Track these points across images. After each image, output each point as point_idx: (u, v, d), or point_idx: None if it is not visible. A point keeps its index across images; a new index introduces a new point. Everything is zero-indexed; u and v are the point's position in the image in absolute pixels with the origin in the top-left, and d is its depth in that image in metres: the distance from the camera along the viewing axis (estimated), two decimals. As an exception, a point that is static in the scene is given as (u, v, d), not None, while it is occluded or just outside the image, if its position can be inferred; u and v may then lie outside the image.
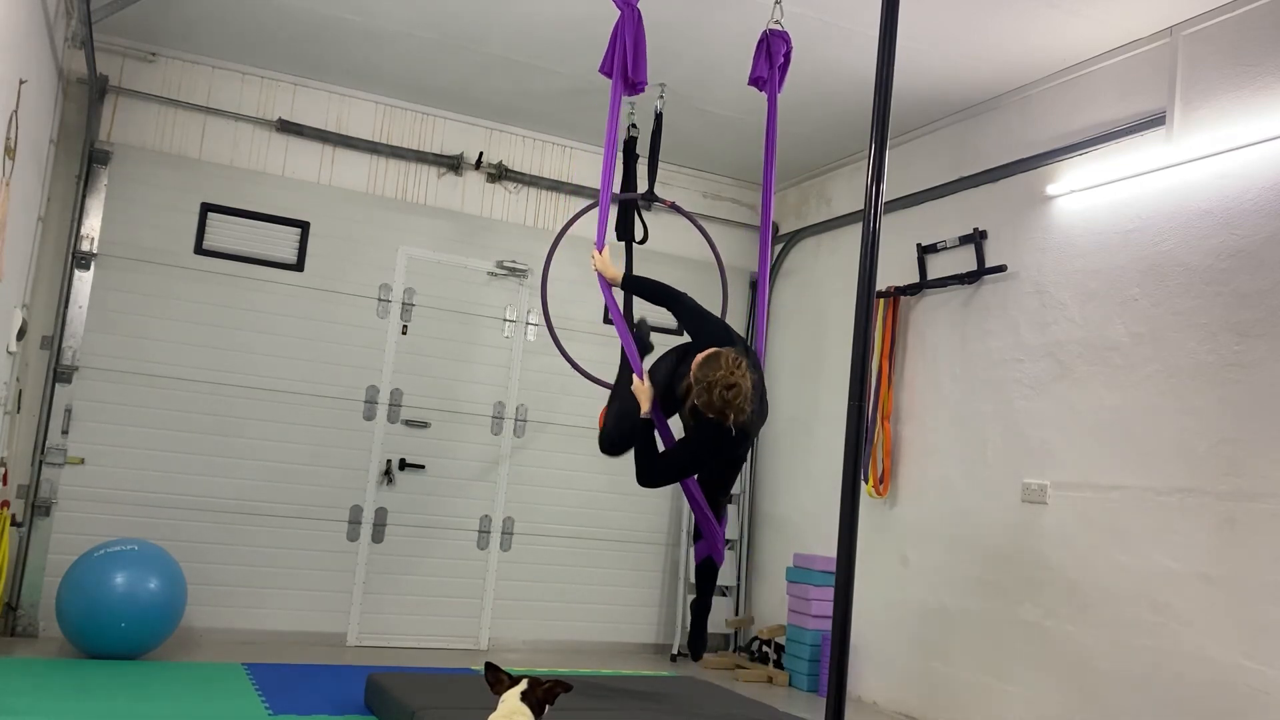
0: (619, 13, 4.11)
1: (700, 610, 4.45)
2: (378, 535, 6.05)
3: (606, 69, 4.09)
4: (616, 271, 4.19)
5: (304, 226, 6.03)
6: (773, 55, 4.24)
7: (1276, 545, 3.78)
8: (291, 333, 5.94)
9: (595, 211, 4.31)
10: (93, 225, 5.56)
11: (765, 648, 6.30)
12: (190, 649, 5.30)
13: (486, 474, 6.36)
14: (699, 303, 4.11)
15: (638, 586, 6.67)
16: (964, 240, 5.42)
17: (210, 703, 4.23)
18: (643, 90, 4.10)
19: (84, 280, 5.52)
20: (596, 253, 4.18)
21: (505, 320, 6.45)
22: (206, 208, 5.83)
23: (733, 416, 3.66)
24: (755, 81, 4.31)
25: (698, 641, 4.44)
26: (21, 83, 3.88)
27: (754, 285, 7.15)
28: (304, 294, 5.99)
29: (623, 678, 5.09)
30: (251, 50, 5.73)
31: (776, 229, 7.03)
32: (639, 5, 3.95)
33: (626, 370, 4.24)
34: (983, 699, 4.92)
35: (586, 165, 6.68)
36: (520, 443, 6.43)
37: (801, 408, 6.66)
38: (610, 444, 4.22)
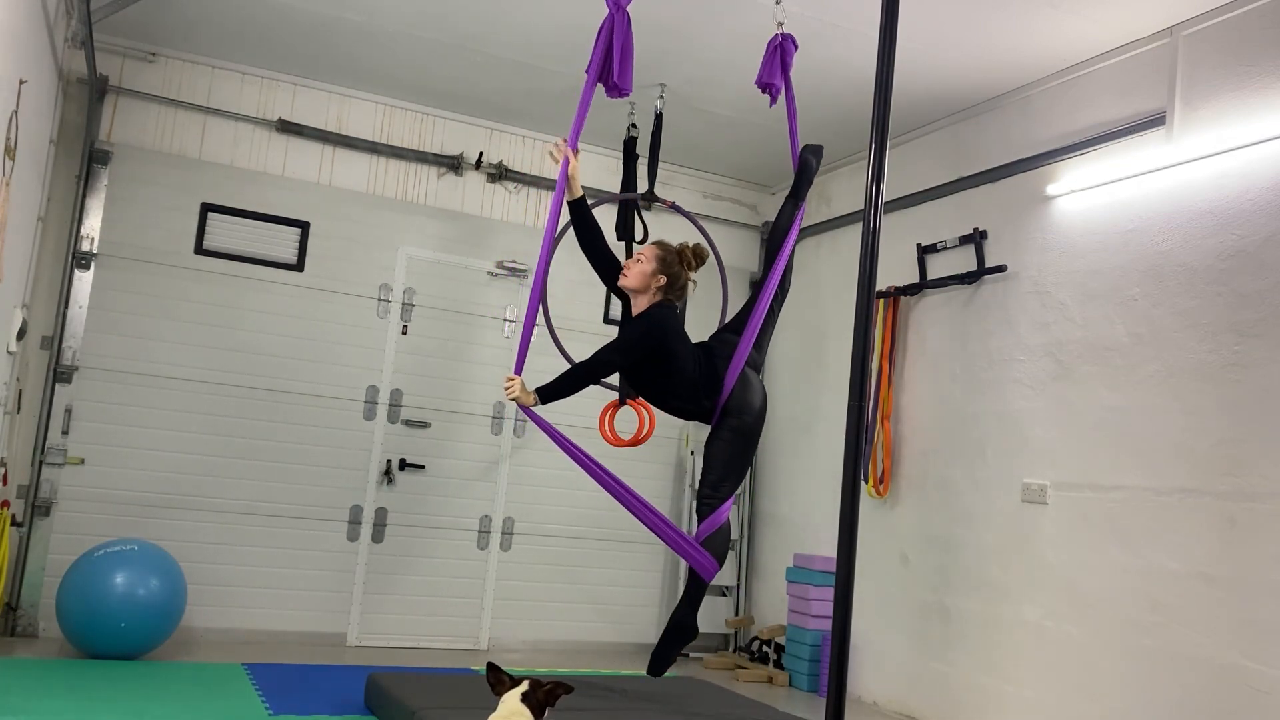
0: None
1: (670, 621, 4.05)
2: (378, 535, 6.05)
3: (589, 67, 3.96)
4: (531, 395, 3.80)
5: (304, 226, 6.03)
6: (785, 59, 4.22)
7: (1276, 545, 3.78)
8: (291, 333, 5.94)
9: (520, 333, 3.94)
10: (93, 225, 5.56)
11: (765, 648, 6.30)
12: (190, 649, 5.29)
13: (486, 474, 6.36)
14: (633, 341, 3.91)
15: (638, 586, 6.68)
16: (964, 240, 5.42)
17: (210, 703, 4.23)
18: (627, 95, 4.00)
19: (84, 280, 5.52)
20: (514, 378, 3.81)
21: (505, 320, 6.45)
22: (206, 208, 5.83)
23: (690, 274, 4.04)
24: (764, 85, 4.28)
25: (658, 655, 4.03)
26: (21, 83, 3.88)
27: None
28: (304, 294, 5.99)
29: (623, 678, 5.09)
30: (251, 50, 5.73)
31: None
32: (629, 9, 3.87)
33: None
34: (983, 699, 4.92)
35: (587, 165, 6.67)
36: (520, 443, 6.43)
37: (801, 408, 6.66)
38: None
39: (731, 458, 3.96)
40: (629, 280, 4.01)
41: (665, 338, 3.89)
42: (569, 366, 3.98)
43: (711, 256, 5.07)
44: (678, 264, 4.00)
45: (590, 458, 3.88)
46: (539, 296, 3.94)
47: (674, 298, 4.03)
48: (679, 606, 4.04)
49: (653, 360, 3.91)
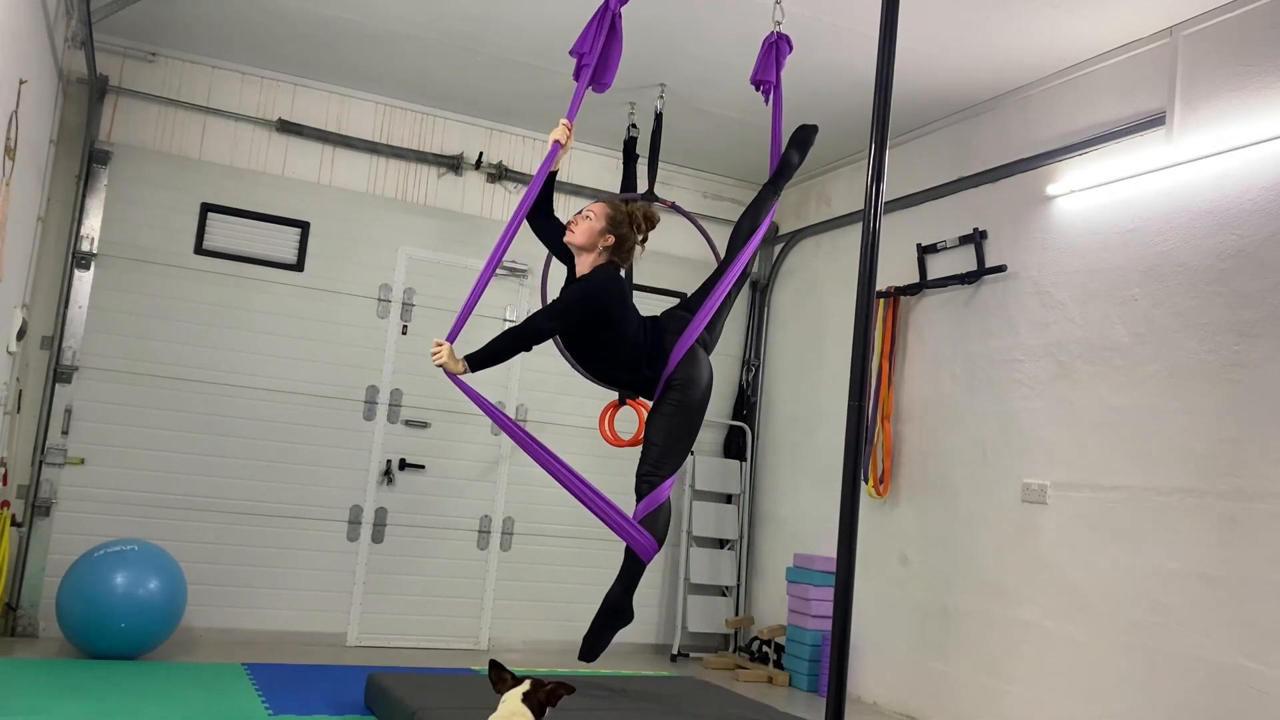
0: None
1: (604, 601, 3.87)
2: (378, 535, 6.05)
3: (575, 52, 3.86)
4: (460, 363, 3.60)
5: (304, 226, 6.03)
6: (779, 58, 4.21)
7: (1276, 545, 3.78)
8: (291, 333, 5.94)
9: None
10: (93, 225, 5.56)
11: (765, 648, 6.30)
12: (190, 649, 5.30)
13: (486, 474, 6.36)
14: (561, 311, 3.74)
15: (637, 586, 6.65)
16: (964, 240, 5.42)
17: (210, 703, 4.22)
18: (602, 90, 3.94)
19: (84, 280, 5.52)
20: (442, 343, 3.58)
21: (505, 320, 6.44)
22: (206, 208, 5.83)
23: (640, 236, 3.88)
24: (757, 83, 4.28)
25: (589, 638, 3.87)
26: (21, 83, 3.88)
27: (754, 285, 7.16)
28: (304, 294, 5.99)
29: (623, 678, 5.09)
30: (251, 50, 5.73)
31: (776, 229, 7.03)
32: (621, 9, 3.83)
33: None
34: (983, 699, 4.92)
35: (586, 165, 6.68)
36: (520, 443, 6.42)
37: (801, 408, 6.66)
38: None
39: (674, 434, 3.78)
40: (575, 236, 3.81)
41: (605, 302, 3.70)
42: (507, 335, 3.72)
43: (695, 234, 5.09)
44: (627, 225, 3.82)
45: (522, 429, 3.74)
46: (502, 252, 3.67)
47: (619, 260, 3.85)
48: (613, 588, 3.86)
49: (591, 326, 3.72)
